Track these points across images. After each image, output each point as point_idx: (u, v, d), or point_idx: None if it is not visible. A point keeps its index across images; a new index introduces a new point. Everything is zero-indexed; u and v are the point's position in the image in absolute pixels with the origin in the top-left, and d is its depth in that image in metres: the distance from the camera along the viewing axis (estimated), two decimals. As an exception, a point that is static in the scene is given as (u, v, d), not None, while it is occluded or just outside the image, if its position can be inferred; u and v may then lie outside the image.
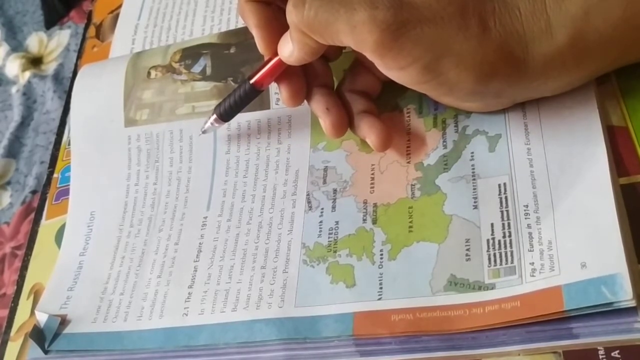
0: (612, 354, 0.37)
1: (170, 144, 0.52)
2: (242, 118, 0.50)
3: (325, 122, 0.46)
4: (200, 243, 0.48)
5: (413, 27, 0.38)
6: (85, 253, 0.50)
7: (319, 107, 0.46)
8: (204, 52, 0.53)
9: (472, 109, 0.45)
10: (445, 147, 0.45)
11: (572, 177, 0.41)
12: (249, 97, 0.47)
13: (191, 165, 0.51)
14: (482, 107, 0.44)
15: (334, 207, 0.46)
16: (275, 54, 0.44)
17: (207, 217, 0.49)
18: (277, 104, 0.50)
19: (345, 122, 0.46)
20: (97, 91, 0.55)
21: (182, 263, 0.47)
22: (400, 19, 0.38)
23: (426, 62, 0.39)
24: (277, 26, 0.44)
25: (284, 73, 0.45)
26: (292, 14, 0.40)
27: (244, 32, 0.54)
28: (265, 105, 0.51)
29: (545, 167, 0.42)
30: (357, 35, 0.39)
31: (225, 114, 0.48)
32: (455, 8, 0.38)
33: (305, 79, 0.47)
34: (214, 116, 0.48)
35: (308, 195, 0.47)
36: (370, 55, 0.40)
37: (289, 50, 0.43)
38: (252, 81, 0.46)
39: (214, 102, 0.51)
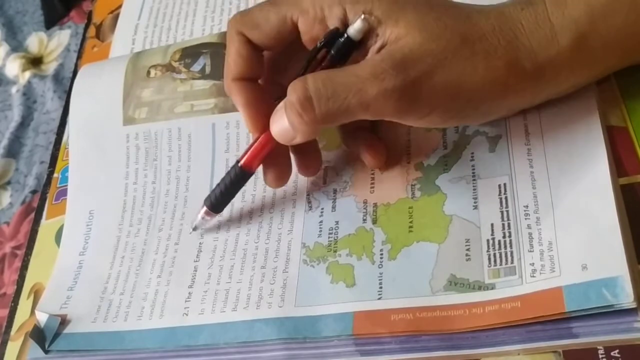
0: (612, 354, 0.37)
1: (168, 142, 0.52)
2: (240, 116, 0.50)
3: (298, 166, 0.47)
4: (200, 243, 0.48)
5: (424, 81, 0.38)
6: (85, 252, 0.50)
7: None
8: (204, 51, 0.53)
9: (487, 121, 0.44)
10: (445, 147, 0.45)
11: (572, 178, 0.41)
12: (239, 181, 0.45)
13: (190, 164, 0.51)
14: (498, 118, 0.44)
15: (334, 207, 0.46)
16: (263, 132, 0.44)
17: (207, 216, 0.49)
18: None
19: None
20: (97, 90, 0.54)
21: (182, 263, 0.47)
22: (410, 81, 0.38)
23: (444, 106, 0.39)
24: (264, 104, 0.44)
25: (269, 154, 0.44)
26: (301, 116, 0.40)
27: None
28: None
29: (545, 168, 0.42)
30: (373, 110, 0.39)
31: (216, 204, 0.46)
32: (456, 42, 0.39)
33: (290, 160, 0.46)
34: (204, 208, 0.47)
35: (308, 195, 0.47)
36: (389, 119, 0.40)
37: (288, 134, 0.42)
38: (241, 163, 0.44)
39: (212, 101, 0.51)
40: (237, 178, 0.45)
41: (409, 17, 0.39)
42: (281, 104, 0.41)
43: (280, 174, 0.46)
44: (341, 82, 0.39)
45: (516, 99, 0.41)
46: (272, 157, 0.45)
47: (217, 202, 0.46)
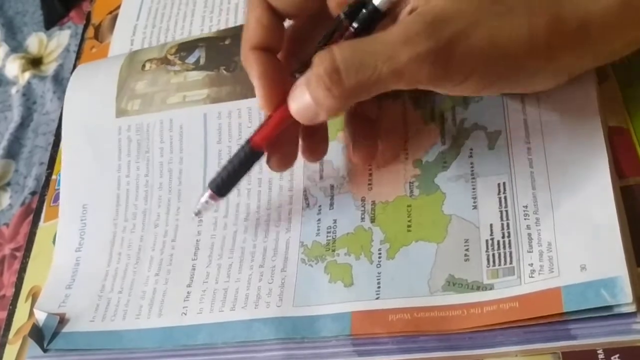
0: (612, 358, 0.37)
1: (160, 134, 0.51)
2: (233, 106, 0.50)
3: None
4: (197, 240, 0.48)
5: (459, 42, 0.35)
6: (81, 249, 0.50)
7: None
8: (200, 44, 0.53)
9: (533, 90, 0.41)
10: (444, 143, 0.45)
11: (573, 178, 0.41)
12: (248, 162, 0.43)
13: (182, 156, 0.51)
14: (544, 88, 0.41)
15: (331, 205, 0.46)
16: (275, 109, 0.41)
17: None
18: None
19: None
20: (91, 86, 0.54)
21: (179, 261, 0.47)
22: (444, 42, 0.35)
23: (481, 69, 0.36)
24: (282, 80, 0.41)
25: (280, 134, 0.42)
26: (329, 89, 0.37)
27: (240, 27, 0.54)
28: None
29: (546, 168, 0.42)
30: (407, 78, 0.36)
31: (222, 186, 0.44)
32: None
33: (297, 143, 0.44)
34: (209, 192, 0.44)
35: (305, 191, 0.47)
36: (424, 87, 0.37)
37: (311, 112, 0.39)
38: (252, 142, 0.42)
39: (205, 91, 0.51)
40: (247, 158, 0.42)
41: None
42: (302, 79, 0.39)
43: (286, 158, 0.44)
44: (370, 50, 0.36)
45: (562, 59, 0.37)
46: (280, 138, 0.42)
47: (223, 184, 0.44)
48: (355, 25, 0.38)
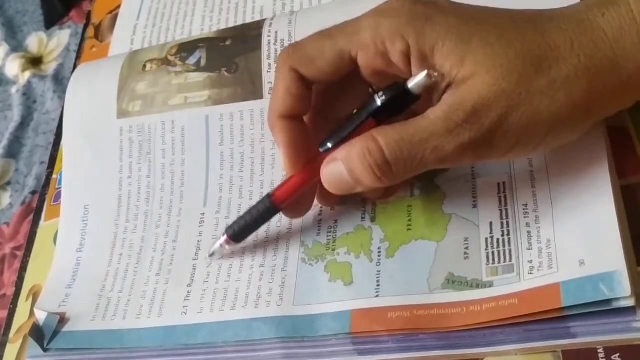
0: (613, 357, 0.37)
1: (162, 135, 0.51)
2: (235, 108, 0.50)
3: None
4: (198, 240, 0.48)
5: (498, 126, 0.36)
6: (82, 249, 0.50)
7: None
8: (200, 45, 0.52)
9: (572, 140, 0.40)
10: None
11: (572, 177, 0.41)
12: (267, 215, 0.44)
13: (184, 158, 0.51)
14: (582, 134, 0.40)
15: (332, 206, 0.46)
16: (299, 170, 0.42)
17: (204, 213, 0.49)
18: (270, 94, 0.49)
19: None
20: (92, 86, 0.54)
21: (180, 261, 0.47)
22: (485, 130, 0.36)
23: (522, 144, 0.37)
24: (308, 144, 0.42)
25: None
26: (380, 179, 0.38)
27: (241, 27, 0.54)
28: (258, 94, 0.50)
29: (545, 167, 0.42)
30: (450, 163, 0.38)
31: (239, 234, 0.45)
32: (529, 73, 0.36)
33: (313, 197, 0.45)
34: (225, 237, 0.45)
35: (307, 193, 0.47)
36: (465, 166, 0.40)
37: (347, 187, 0.40)
38: (273, 198, 0.43)
39: (206, 93, 0.51)
40: (266, 212, 0.44)
41: (475, 54, 0.36)
42: (339, 154, 0.39)
43: (301, 209, 0.45)
44: (416, 142, 0.37)
45: (601, 113, 0.38)
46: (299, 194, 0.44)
47: (240, 232, 0.45)
48: (390, 102, 0.39)
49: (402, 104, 0.39)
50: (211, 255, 0.46)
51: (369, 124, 0.39)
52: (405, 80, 0.38)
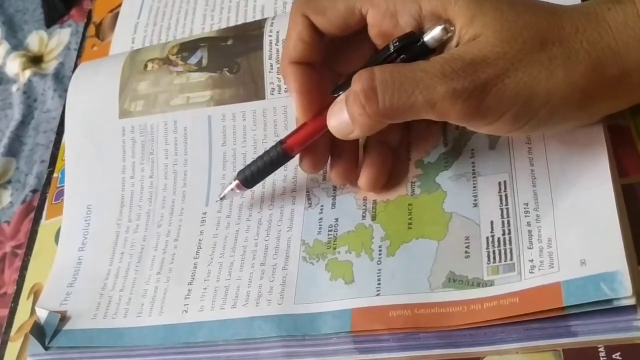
0: (614, 356, 0.37)
1: (164, 135, 0.52)
2: (237, 109, 0.50)
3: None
4: (200, 239, 0.48)
5: (493, 85, 0.36)
6: (84, 248, 0.50)
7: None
8: (202, 44, 0.52)
9: (564, 129, 0.42)
10: (446, 144, 0.45)
11: (573, 176, 0.41)
12: (278, 161, 0.45)
13: (187, 158, 0.51)
14: (577, 126, 0.41)
15: (333, 204, 0.46)
16: (311, 118, 0.43)
17: (206, 212, 0.49)
18: (272, 94, 0.50)
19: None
20: (94, 85, 0.54)
21: (182, 260, 0.47)
22: (479, 82, 0.36)
23: (514, 112, 0.37)
24: (319, 91, 0.43)
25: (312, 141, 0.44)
26: (363, 107, 0.38)
27: (242, 27, 0.54)
28: (260, 94, 0.50)
29: (546, 166, 0.42)
30: (438, 110, 0.37)
31: (250, 179, 0.46)
32: (532, 44, 0.36)
33: (328, 149, 0.45)
34: (236, 182, 0.46)
35: (308, 192, 0.47)
36: (455, 122, 0.39)
37: (346, 128, 0.40)
38: (284, 144, 0.44)
39: (208, 93, 0.51)
40: (277, 158, 0.45)
41: (486, 15, 0.37)
42: (342, 96, 0.40)
43: (317, 161, 0.45)
44: (409, 77, 0.37)
45: (597, 105, 0.39)
46: (313, 143, 0.44)
47: (252, 177, 0.46)
48: (405, 56, 0.39)
49: (415, 56, 0.39)
50: (222, 198, 0.47)
51: None
52: (422, 32, 0.39)
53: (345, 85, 0.41)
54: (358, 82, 0.38)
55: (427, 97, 0.37)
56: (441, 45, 0.39)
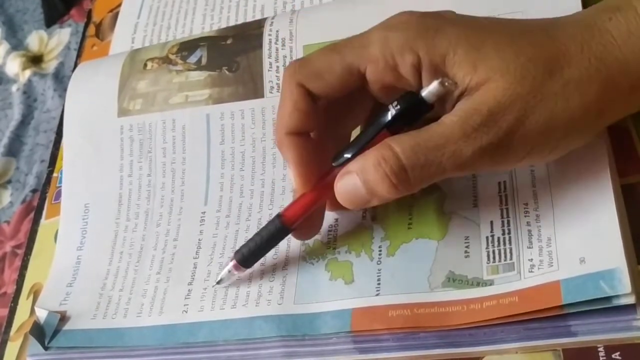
0: (613, 356, 0.37)
1: (162, 133, 0.51)
2: (236, 107, 0.50)
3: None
4: (199, 239, 0.48)
5: (516, 130, 0.36)
6: (82, 248, 0.50)
7: None
8: (201, 44, 0.52)
9: (584, 143, 0.40)
10: None
11: (573, 176, 0.41)
12: (277, 237, 0.43)
13: (185, 156, 0.51)
14: (594, 135, 0.40)
15: (333, 204, 0.46)
16: (310, 188, 0.42)
17: (205, 212, 0.49)
18: (270, 92, 0.50)
19: None
20: (93, 84, 0.54)
21: (181, 259, 0.47)
22: (502, 133, 0.36)
23: (540, 146, 0.37)
24: (317, 161, 0.41)
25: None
26: (396, 187, 0.37)
27: (241, 26, 0.54)
28: (259, 93, 0.50)
29: (546, 166, 0.42)
30: (468, 169, 0.37)
31: (248, 258, 0.44)
32: (543, 77, 0.36)
33: (323, 216, 0.44)
34: (233, 262, 0.44)
35: (307, 191, 0.47)
36: (484, 172, 0.39)
37: (361, 200, 0.39)
38: (284, 218, 0.42)
39: (207, 91, 0.51)
40: (277, 232, 0.43)
41: (488, 59, 0.36)
42: (352, 166, 0.39)
43: (311, 231, 0.44)
44: (431, 147, 0.36)
45: (612, 117, 0.38)
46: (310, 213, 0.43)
47: (250, 256, 0.44)
48: (405, 112, 0.39)
49: (416, 114, 0.39)
50: (219, 282, 0.45)
51: (383, 135, 0.39)
52: (419, 90, 0.38)
53: (345, 151, 0.40)
54: (384, 163, 0.37)
55: (456, 162, 0.36)
56: (444, 97, 0.38)
